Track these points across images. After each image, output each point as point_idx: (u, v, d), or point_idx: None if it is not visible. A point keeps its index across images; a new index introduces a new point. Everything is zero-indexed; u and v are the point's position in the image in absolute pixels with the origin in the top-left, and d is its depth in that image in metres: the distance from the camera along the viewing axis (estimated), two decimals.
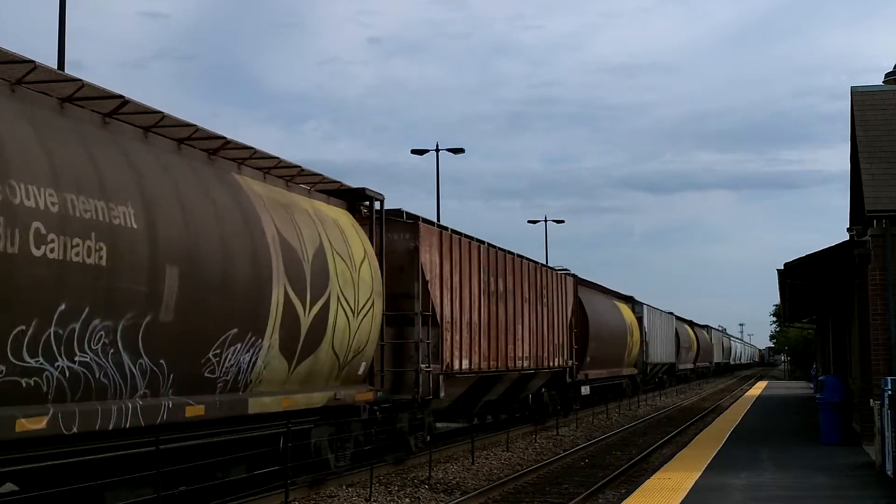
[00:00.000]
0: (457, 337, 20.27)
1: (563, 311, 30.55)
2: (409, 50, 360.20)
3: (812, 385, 46.93)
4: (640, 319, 47.07)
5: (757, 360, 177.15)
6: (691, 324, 77.10)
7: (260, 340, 12.94)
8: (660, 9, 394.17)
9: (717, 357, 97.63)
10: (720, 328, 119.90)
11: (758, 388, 54.18)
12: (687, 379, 70.44)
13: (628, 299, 47.83)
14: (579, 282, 34.89)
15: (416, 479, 17.45)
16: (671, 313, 60.80)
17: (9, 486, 10.25)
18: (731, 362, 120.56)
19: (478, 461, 20.25)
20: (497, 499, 16.03)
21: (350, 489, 15.88)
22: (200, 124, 12.54)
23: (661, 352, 53.76)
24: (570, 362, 31.10)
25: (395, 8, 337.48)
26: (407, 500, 15.58)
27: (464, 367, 20.70)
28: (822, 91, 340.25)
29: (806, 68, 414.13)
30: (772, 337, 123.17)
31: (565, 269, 32.93)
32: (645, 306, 49.44)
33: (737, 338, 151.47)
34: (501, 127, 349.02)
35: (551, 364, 28.42)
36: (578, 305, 33.70)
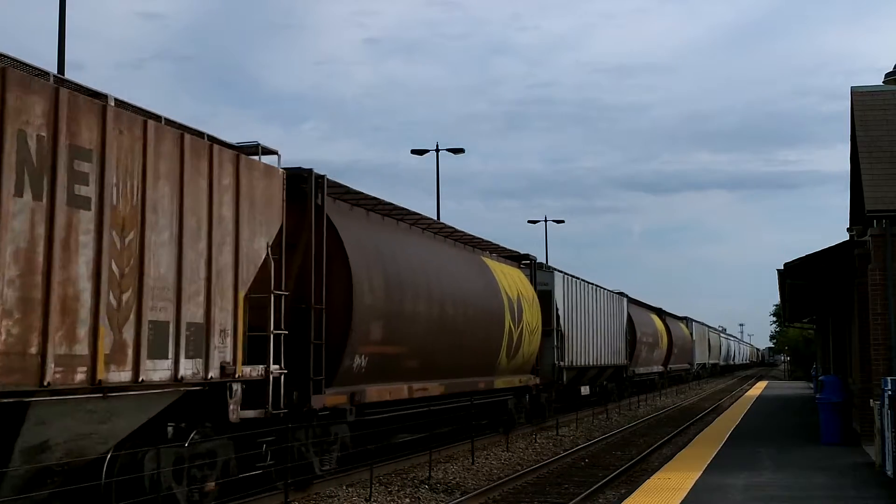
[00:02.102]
0: None
1: (214, 240, 12.63)
2: (407, 50, 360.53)
3: (812, 385, 46.91)
4: (546, 295, 29.44)
5: (754, 359, 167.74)
6: (661, 313, 58.71)
7: None
8: (657, 9, 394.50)
9: (701, 357, 77.93)
10: (720, 328, 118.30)
11: (758, 389, 54.19)
12: (653, 386, 52.54)
13: (521, 259, 28.02)
14: (331, 187, 15.97)
15: (416, 479, 17.44)
16: (622, 294, 43.88)
17: None
18: (723, 363, 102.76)
19: (478, 461, 20.25)
20: (497, 499, 16.02)
21: (350, 489, 15.88)
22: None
23: (595, 349, 36.11)
24: (258, 371, 13.48)
25: (392, 9, 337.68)
26: (407, 500, 15.58)
27: None
28: (820, 91, 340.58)
29: (803, 68, 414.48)
30: (772, 337, 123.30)
31: (254, 144, 14.27)
32: (560, 275, 31.68)
33: (728, 335, 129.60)
34: (499, 127, 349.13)
35: (134, 376, 10.91)
36: (324, 240, 15.31)
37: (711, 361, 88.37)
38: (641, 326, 47.44)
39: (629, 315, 44.67)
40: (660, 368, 54.90)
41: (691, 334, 70.82)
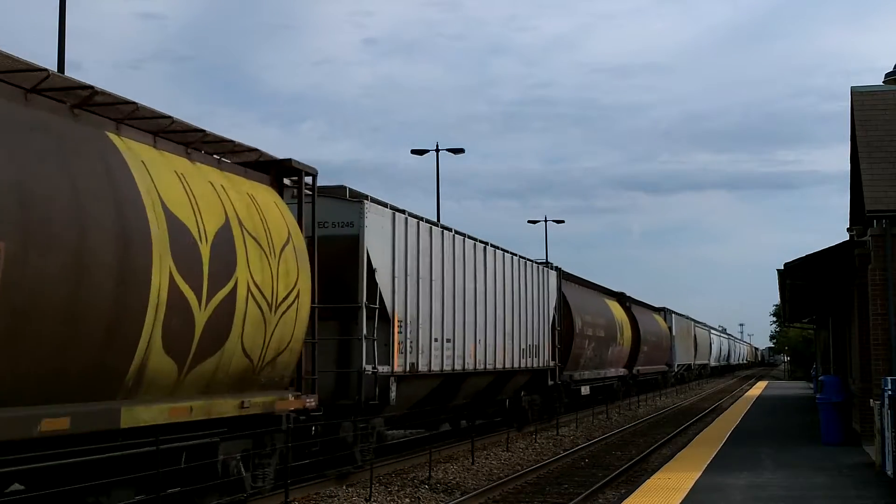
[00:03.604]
0: None
1: None
2: (405, 51, 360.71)
3: (812, 385, 46.93)
4: (348, 244, 16.90)
5: (752, 359, 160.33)
6: (623, 298, 46.16)
7: None
8: (655, 9, 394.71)
9: (684, 356, 64.27)
10: (720, 327, 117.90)
11: (757, 389, 54.22)
12: (613, 395, 40.36)
13: (284, 173, 14.39)
14: None
15: (416, 479, 17.45)
16: (550, 265, 30.79)
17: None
18: (715, 363, 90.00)
19: (478, 461, 20.25)
20: (497, 499, 16.02)
21: (350, 489, 15.88)
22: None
23: (484, 345, 22.66)
24: None
25: (390, 9, 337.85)
26: (407, 500, 15.59)
27: None
28: (818, 91, 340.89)
29: (801, 69, 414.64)
30: (772, 337, 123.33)
31: None
32: (384, 212, 18.04)
33: (728, 334, 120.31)
34: (497, 128, 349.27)
35: None
36: None
37: (699, 362, 74.97)
38: (585, 314, 34.39)
39: (564, 298, 31.83)
40: (620, 372, 41.86)
41: (670, 329, 58.39)
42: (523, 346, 26.18)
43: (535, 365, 27.33)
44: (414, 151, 40.41)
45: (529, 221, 56.64)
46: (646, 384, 49.87)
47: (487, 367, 22.94)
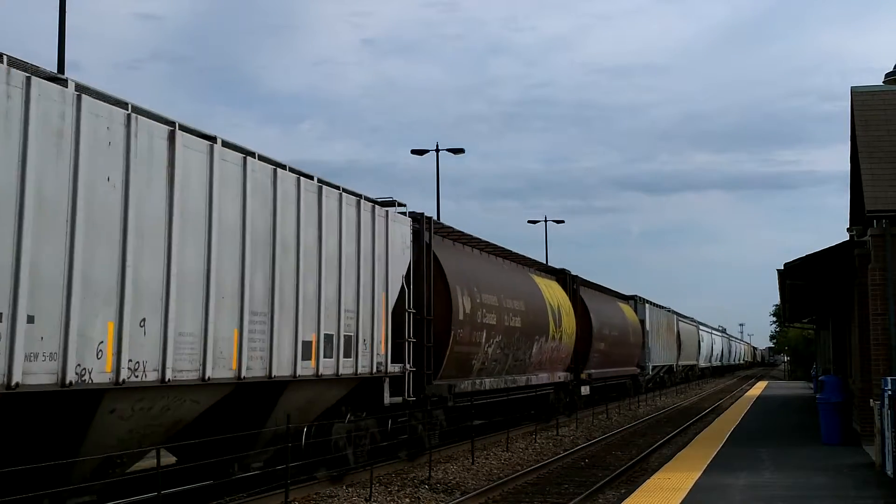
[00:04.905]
0: None
1: None
2: (403, 51, 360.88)
3: (812, 385, 46.92)
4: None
5: (749, 359, 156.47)
6: (567, 279, 33.28)
7: None
8: (653, 10, 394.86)
9: (663, 356, 52.67)
10: (720, 328, 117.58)
11: (757, 389, 54.26)
12: (549, 410, 29.89)
13: None
14: None
15: (416, 479, 17.45)
16: (398, 206, 18.49)
17: None
18: (705, 364, 78.88)
19: (478, 461, 20.24)
20: (497, 499, 16.02)
21: (350, 489, 15.88)
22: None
23: (156, 326, 10.91)
24: None
25: (388, 9, 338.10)
26: (407, 500, 15.58)
27: None
28: (816, 92, 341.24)
29: (800, 69, 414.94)
30: (772, 337, 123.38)
31: None
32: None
33: (716, 330, 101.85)
34: (496, 128, 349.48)
35: None
36: None
37: (684, 363, 62.94)
38: (483, 294, 22.54)
39: (438, 264, 20.39)
40: (557, 377, 29.75)
41: (642, 322, 46.55)
42: (307, 338, 14.56)
43: (352, 370, 16.03)
44: (414, 151, 40.44)
45: (529, 221, 56.76)
46: (605, 391, 38.70)
47: (181, 373, 11.48)
